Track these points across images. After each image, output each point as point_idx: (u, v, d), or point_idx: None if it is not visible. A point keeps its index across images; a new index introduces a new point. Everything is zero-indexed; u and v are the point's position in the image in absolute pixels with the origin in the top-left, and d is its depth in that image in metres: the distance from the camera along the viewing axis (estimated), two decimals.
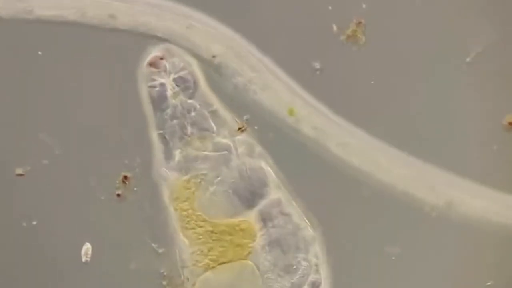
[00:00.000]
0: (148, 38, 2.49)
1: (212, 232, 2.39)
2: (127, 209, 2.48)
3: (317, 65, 2.50)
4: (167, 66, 2.42)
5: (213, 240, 2.38)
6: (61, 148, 2.49)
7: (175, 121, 2.42)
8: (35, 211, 2.48)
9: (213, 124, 2.43)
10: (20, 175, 2.48)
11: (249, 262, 2.37)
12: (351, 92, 2.51)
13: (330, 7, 2.51)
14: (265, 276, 2.37)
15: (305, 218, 2.43)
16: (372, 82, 2.50)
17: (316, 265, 2.39)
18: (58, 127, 2.51)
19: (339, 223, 2.46)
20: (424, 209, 2.47)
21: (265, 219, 2.40)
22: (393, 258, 2.47)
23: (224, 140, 2.43)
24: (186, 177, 2.40)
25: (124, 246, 2.47)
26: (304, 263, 2.39)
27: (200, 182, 2.41)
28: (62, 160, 2.49)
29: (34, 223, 2.48)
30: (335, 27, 2.51)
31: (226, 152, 2.42)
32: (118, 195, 2.48)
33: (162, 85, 2.42)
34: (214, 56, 2.41)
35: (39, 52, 2.51)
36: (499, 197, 2.48)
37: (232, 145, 2.43)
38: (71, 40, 2.51)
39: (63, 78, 2.51)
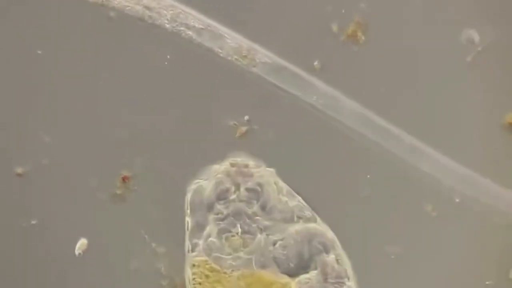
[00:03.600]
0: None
1: None
2: (126, 209, 2.48)
3: (317, 64, 2.50)
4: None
5: None
6: (61, 148, 2.49)
7: (230, 217, 2.42)
8: (34, 210, 2.47)
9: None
10: (20, 174, 2.48)
11: None
12: (351, 91, 2.52)
13: (330, 7, 2.52)
14: None
15: None
16: (372, 82, 2.51)
17: None
18: (58, 127, 2.51)
19: (340, 221, 2.45)
20: (425, 208, 2.47)
21: None
22: (393, 257, 2.47)
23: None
24: (210, 263, 2.40)
25: (124, 246, 2.47)
26: None
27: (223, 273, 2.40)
28: (62, 160, 2.49)
29: (34, 222, 2.48)
30: (335, 27, 2.51)
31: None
32: (118, 194, 2.48)
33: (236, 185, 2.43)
34: None
35: (39, 51, 2.51)
36: (501, 194, 2.49)
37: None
38: (72, 39, 2.52)
39: (63, 78, 2.52)
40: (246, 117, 2.50)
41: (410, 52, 2.52)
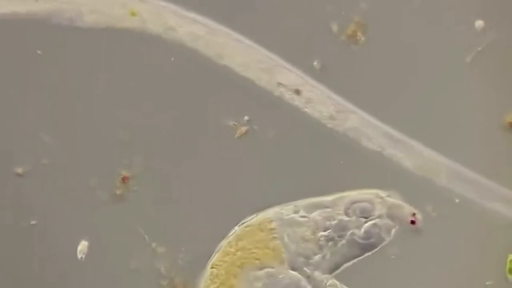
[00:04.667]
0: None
1: None
2: (126, 209, 2.48)
3: (317, 64, 2.51)
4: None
5: None
6: (61, 147, 2.49)
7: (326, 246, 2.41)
8: (34, 210, 2.47)
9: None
10: (20, 174, 2.48)
11: None
12: (351, 91, 2.52)
13: (330, 7, 2.52)
14: None
15: None
16: (372, 82, 2.51)
17: None
18: (58, 127, 2.51)
19: None
20: (425, 208, 2.47)
21: None
22: (393, 257, 2.47)
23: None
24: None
25: (124, 246, 2.47)
26: None
27: None
28: (61, 159, 2.49)
29: (33, 222, 2.48)
30: (334, 27, 2.51)
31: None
32: (118, 195, 2.48)
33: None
34: None
35: (39, 51, 2.51)
36: (501, 194, 2.49)
37: None
38: (72, 40, 2.52)
39: (63, 78, 2.52)
40: (246, 117, 2.50)
41: (410, 52, 2.52)
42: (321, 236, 2.40)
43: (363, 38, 2.51)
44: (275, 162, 2.50)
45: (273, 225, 2.40)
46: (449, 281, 2.47)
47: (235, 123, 2.50)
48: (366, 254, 2.43)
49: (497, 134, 2.50)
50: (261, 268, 2.38)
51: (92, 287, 2.48)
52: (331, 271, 2.40)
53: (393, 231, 2.42)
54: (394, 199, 2.43)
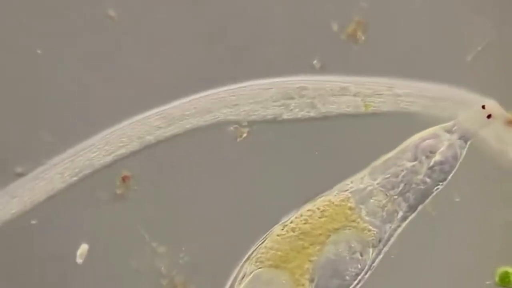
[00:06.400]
0: None
1: None
2: (126, 208, 2.48)
3: (316, 62, 2.51)
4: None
5: None
6: (61, 148, 2.49)
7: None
8: (34, 210, 2.47)
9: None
10: (20, 174, 2.48)
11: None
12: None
13: (330, 6, 2.51)
14: None
15: None
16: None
17: None
18: (58, 127, 2.50)
19: None
20: (425, 207, 2.47)
21: None
22: (393, 256, 2.47)
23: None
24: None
25: (124, 245, 2.47)
26: None
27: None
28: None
29: (34, 222, 2.48)
30: (335, 26, 2.51)
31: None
32: (118, 194, 2.48)
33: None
34: None
35: (38, 51, 2.51)
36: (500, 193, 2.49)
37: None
38: (72, 38, 2.52)
39: (62, 78, 2.52)
40: (245, 123, 2.51)
41: (409, 51, 2.51)
42: (395, 193, 2.42)
43: (363, 38, 2.50)
44: (276, 163, 2.50)
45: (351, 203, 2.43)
46: (449, 280, 2.47)
47: (236, 126, 2.50)
48: (440, 185, 2.43)
49: None
50: None
51: (92, 286, 2.48)
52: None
53: (468, 144, 2.43)
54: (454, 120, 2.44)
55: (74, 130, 2.50)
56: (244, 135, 2.50)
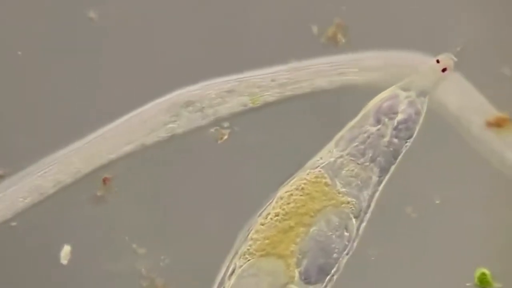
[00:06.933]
0: None
1: None
2: (107, 210, 2.48)
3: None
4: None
5: None
6: (39, 149, 2.49)
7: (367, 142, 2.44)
8: (15, 212, 2.47)
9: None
10: (1, 176, 2.48)
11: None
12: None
13: (311, 9, 2.52)
14: None
15: None
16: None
17: None
18: (39, 129, 2.50)
19: None
20: (405, 210, 2.48)
21: None
22: (373, 258, 2.47)
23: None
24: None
25: (105, 247, 2.47)
26: None
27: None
28: (41, 161, 2.49)
29: (13, 224, 2.47)
30: (315, 29, 2.51)
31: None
32: (99, 196, 2.48)
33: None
34: None
35: (19, 52, 2.51)
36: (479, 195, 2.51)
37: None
38: (53, 40, 2.52)
39: (42, 80, 2.52)
40: (226, 123, 2.51)
41: (389, 54, 2.52)
42: (366, 160, 2.43)
43: (343, 40, 2.51)
44: (258, 164, 2.50)
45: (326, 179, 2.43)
46: (429, 282, 2.48)
47: (217, 128, 2.51)
48: (408, 143, 2.44)
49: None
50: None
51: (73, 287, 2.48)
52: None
53: (427, 98, 2.45)
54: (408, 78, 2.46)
55: (53, 131, 2.50)
56: (225, 137, 2.51)
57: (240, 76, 2.51)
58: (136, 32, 2.53)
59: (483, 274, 2.39)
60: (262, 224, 2.42)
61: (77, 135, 2.50)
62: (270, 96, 2.50)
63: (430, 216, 2.49)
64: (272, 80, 2.50)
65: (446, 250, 2.48)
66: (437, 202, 2.49)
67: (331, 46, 2.51)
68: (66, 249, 2.46)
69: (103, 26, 2.52)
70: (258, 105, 2.50)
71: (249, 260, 2.40)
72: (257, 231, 2.41)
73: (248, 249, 2.41)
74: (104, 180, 2.49)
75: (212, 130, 2.51)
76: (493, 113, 2.48)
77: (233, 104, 2.50)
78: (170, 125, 2.50)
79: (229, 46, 2.52)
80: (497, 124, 2.47)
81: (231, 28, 2.53)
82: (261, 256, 2.39)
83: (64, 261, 2.46)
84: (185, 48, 2.52)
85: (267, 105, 2.51)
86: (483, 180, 2.50)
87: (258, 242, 2.40)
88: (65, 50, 2.51)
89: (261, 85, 2.50)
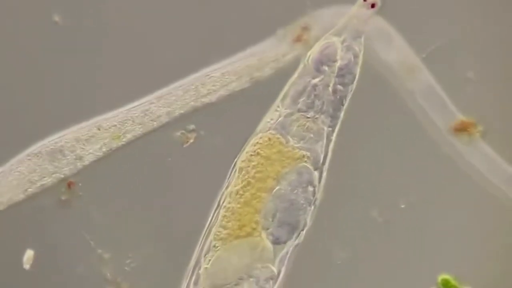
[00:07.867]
0: None
1: None
2: (72, 215, 2.48)
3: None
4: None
5: None
6: (4, 153, 2.48)
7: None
8: None
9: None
10: None
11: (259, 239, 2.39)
12: None
13: (277, 10, 2.50)
14: None
15: None
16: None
17: None
18: (1, 132, 2.50)
19: None
20: (371, 214, 2.47)
21: None
22: (339, 262, 2.47)
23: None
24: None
25: (69, 251, 2.47)
26: None
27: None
28: (5, 164, 2.48)
29: None
30: (280, 32, 2.50)
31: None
32: (63, 200, 2.47)
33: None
34: None
35: None
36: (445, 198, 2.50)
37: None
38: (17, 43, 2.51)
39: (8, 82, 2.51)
40: (192, 126, 2.50)
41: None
42: (315, 113, 2.43)
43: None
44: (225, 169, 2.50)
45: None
46: (395, 284, 2.47)
47: (182, 132, 2.50)
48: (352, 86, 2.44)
49: (443, 139, 2.49)
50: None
51: None
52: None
53: (363, 38, 2.44)
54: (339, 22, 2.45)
55: (18, 135, 2.49)
56: (191, 140, 2.50)
57: None
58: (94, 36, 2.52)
59: (446, 280, 2.38)
60: (227, 207, 2.40)
61: (39, 138, 2.49)
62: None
63: (395, 221, 2.48)
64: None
65: (412, 256, 2.48)
66: (402, 206, 2.48)
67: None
68: (29, 254, 2.46)
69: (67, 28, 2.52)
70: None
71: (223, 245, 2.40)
72: (223, 216, 2.40)
73: (218, 235, 2.40)
74: (69, 185, 2.48)
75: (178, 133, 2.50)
76: (458, 117, 2.47)
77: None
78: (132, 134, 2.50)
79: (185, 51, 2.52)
80: (462, 128, 2.45)
81: (191, 31, 2.52)
82: (235, 238, 2.38)
83: (26, 265, 2.46)
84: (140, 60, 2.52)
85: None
86: (450, 183, 2.49)
87: (229, 225, 2.39)
88: (30, 53, 2.51)
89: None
